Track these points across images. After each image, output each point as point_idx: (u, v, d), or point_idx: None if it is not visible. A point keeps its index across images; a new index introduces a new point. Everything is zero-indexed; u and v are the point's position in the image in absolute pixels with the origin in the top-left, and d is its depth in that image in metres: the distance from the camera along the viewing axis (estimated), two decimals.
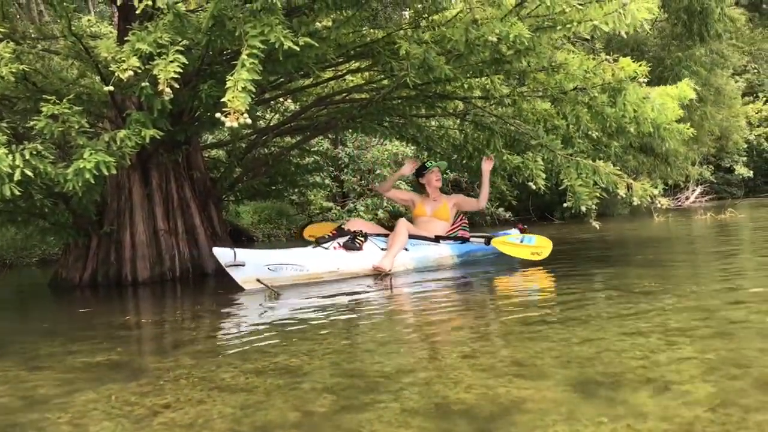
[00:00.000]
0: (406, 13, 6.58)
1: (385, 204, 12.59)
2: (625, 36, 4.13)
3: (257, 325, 3.34)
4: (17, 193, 3.77)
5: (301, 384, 2.15)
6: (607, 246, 7.26)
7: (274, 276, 4.71)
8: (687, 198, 21.52)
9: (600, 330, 2.73)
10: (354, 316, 3.55)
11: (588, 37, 5.12)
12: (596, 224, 5.48)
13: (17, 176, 3.74)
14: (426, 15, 5.50)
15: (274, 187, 8.59)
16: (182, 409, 1.95)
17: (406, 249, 5.52)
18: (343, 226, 5.54)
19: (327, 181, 12.63)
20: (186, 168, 6.27)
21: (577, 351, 2.38)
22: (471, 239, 6.09)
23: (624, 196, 5.34)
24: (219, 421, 1.82)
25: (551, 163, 5.60)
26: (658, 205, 5.28)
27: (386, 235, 5.68)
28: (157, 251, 5.88)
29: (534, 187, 5.75)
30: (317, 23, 4.58)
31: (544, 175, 5.66)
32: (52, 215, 5.58)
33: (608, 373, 2.08)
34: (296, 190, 10.25)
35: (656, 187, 17.48)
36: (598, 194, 5.44)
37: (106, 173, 4.00)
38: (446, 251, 5.91)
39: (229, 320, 3.57)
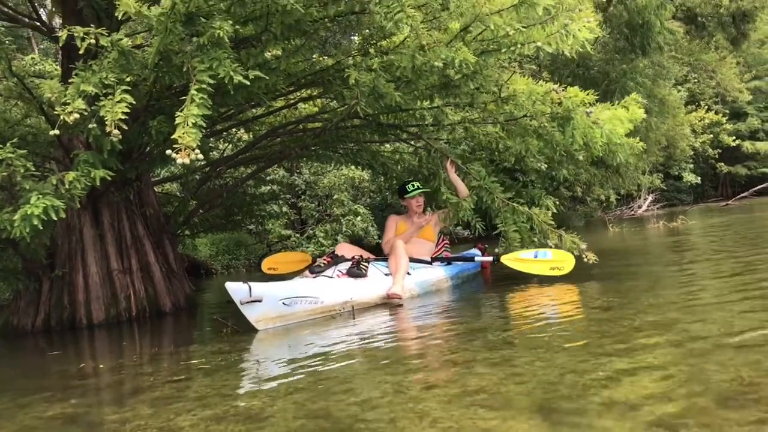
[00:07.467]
0: (356, 38, 6.63)
1: (344, 229, 12.55)
2: (568, 55, 4.22)
3: (217, 366, 3.26)
4: None
5: (263, 429, 2.09)
6: None
7: (289, 311, 4.34)
8: (639, 207, 22.01)
9: (562, 351, 2.74)
10: (315, 350, 3.49)
11: (533, 57, 5.20)
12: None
13: None
14: (374, 41, 5.54)
15: (230, 219, 8.49)
16: None
17: (408, 273, 5.26)
18: (335, 253, 5.31)
19: (284, 209, 12.54)
20: (138, 205, 6.14)
21: (541, 375, 2.38)
22: (476, 258, 6.05)
23: (553, 246, 5.42)
24: None
25: (489, 206, 5.64)
26: (585, 258, 5.32)
27: (383, 259, 5.47)
28: (112, 292, 5.72)
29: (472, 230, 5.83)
30: (266, 53, 4.56)
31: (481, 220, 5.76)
32: (0, 261, 5.40)
33: (572, 397, 2.08)
34: (253, 220, 10.15)
35: (609, 198, 17.71)
36: (535, 240, 5.53)
37: (55, 218, 3.88)
38: (442, 273, 5.75)
39: (188, 362, 3.48)
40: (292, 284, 4.67)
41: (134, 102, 3.81)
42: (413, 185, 5.89)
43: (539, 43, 4.20)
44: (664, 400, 1.97)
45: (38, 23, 6.46)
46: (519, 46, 4.28)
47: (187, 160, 3.48)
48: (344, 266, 5.06)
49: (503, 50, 4.38)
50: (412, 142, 6.74)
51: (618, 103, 5.65)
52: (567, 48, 4.21)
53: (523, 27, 4.21)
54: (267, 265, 6.58)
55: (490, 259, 5.90)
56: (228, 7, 3.96)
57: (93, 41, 3.79)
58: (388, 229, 5.92)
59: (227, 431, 2.10)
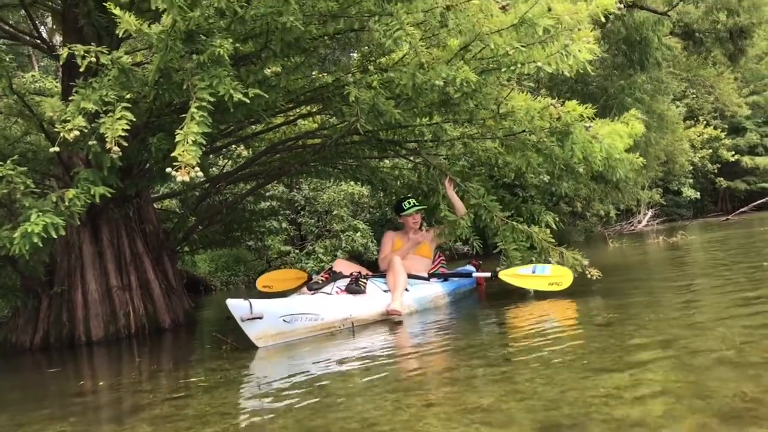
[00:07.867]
0: (355, 55, 6.66)
1: (344, 244, 12.55)
2: (568, 74, 4.23)
3: (216, 383, 3.25)
4: None
5: None
6: None
7: (290, 328, 4.32)
8: (639, 222, 22.01)
9: (563, 367, 2.73)
10: (315, 367, 3.48)
11: (532, 74, 5.18)
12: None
13: None
14: (373, 58, 5.57)
15: (230, 235, 8.49)
16: None
17: (406, 289, 5.24)
18: (332, 269, 5.27)
19: (284, 225, 12.54)
20: (138, 221, 6.15)
21: (542, 392, 2.37)
22: (473, 274, 6.06)
23: (553, 263, 5.43)
24: None
25: (487, 225, 5.64)
26: (589, 275, 5.35)
27: (381, 275, 5.43)
28: (111, 309, 5.72)
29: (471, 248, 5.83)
30: (266, 70, 4.58)
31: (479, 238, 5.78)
32: None
33: (574, 415, 2.07)
34: (252, 236, 10.15)
35: (609, 213, 17.76)
36: (534, 258, 5.52)
37: (55, 235, 3.88)
38: (439, 290, 5.74)
39: (187, 379, 3.47)
40: (292, 301, 4.65)
41: (134, 119, 3.82)
42: (409, 202, 5.90)
43: (539, 63, 4.21)
44: (666, 417, 1.96)
45: (39, 41, 6.50)
46: (519, 65, 4.29)
47: (186, 178, 3.48)
48: (343, 283, 5.03)
49: (503, 69, 4.40)
50: (412, 158, 6.76)
51: (617, 119, 5.65)
52: (567, 68, 4.22)
53: (523, 46, 4.23)
54: (262, 283, 6.56)
55: (488, 274, 5.89)
56: (228, 25, 3.98)
57: (93, 59, 3.81)
58: (385, 245, 5.92)
59: None
